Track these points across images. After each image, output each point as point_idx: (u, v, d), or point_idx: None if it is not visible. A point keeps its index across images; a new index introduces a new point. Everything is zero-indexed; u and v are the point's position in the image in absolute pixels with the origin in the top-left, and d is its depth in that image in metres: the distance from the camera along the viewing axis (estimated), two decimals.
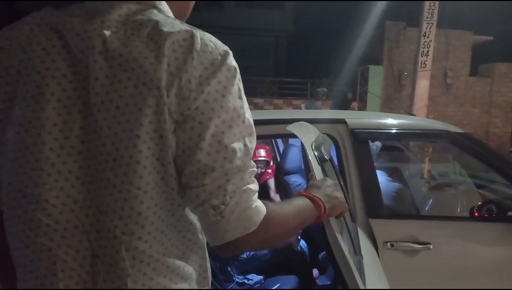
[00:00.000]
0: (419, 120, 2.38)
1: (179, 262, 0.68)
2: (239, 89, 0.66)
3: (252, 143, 0.67)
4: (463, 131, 2.14)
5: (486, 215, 2.29)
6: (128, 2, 0.68)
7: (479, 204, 2.50)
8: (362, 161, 1.90)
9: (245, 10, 13.76)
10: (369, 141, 2.06)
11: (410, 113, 3.73)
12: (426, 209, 2.50)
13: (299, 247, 2.39)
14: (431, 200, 2.60)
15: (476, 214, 2.39)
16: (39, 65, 0.64)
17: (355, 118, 2.05)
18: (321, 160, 1.16)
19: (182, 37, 0.63)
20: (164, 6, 0.72)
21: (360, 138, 1.93)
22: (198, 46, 0.63)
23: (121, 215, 0.63)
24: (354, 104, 8.98)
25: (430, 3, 6.38)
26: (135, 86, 0.61)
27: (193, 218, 0.71)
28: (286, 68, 13.86)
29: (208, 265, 0.76)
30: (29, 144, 0.64)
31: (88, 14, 0.66)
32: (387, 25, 8.64)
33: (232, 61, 0.66)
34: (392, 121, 2.16)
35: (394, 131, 2.05)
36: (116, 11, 0.66)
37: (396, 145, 2.99)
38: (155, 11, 0.68)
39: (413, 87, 6.85)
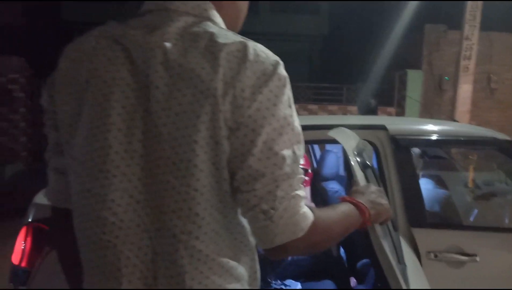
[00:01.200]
0: (463, 126, 2.31)
1: (232, 263, 0.70)
2: (289, 98, 0.69)
3: (300, 150, 0.69)
4: (511, 139, 2.05)
5: None
6: (185, 15, 0.72)
7: None
8: (403, 168, 1.86)
9: (280, 16, 13.81)
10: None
11: (452, 119, 3.60)
12: (471, 219, 2.40)
13: (338, 254, 2.37)
14: (476, 209, 2.50)
15: None
16: (105, 75, 0.70)
17: (396, 124, 2.01)
18: (364, 167, 1.15)
19: (236, 48, 0.66)
20: (218, 18, 0.75)
21: (401, 145, 1.89)
22: (251, 56, 0.66)
23: (179, 215, 0.66)
24: (391, 110, 8.78)
25: (472, 4, 6.16)
26: (193, 94, 0.65)
27: (244, 221, 0.73)
28: (321, 73, 13.75)
29: (258, 267, 0.78)
30: (97, 147, 0.69)
31: (149, 27, 0.71)
32: (426, 28, 8.40)
33: (282, 71, 0.68)
34: (434, 127, 2.10)
35: (437, 137, 1.99)
36: (174, 23, 0.70)
37: (438, 153, 2.90)
38: (209, 23, 0.72)
39: (455, 91, 6.61)
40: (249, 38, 0.72)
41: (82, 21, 11.08)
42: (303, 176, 0.69)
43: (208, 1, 0.74)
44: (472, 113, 6.80)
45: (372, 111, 5.33)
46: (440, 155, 2.91)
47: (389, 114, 8.61)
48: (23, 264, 1.75)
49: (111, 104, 0.68)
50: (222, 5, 0.77)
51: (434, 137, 1.98)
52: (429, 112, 8.29)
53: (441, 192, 2.52)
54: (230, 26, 0.78)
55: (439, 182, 2.64)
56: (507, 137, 2.03)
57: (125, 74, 0.69)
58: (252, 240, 0.75)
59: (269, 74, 0.66)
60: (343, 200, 0.85)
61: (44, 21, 10.21)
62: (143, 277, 0.68)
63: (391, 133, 1.90)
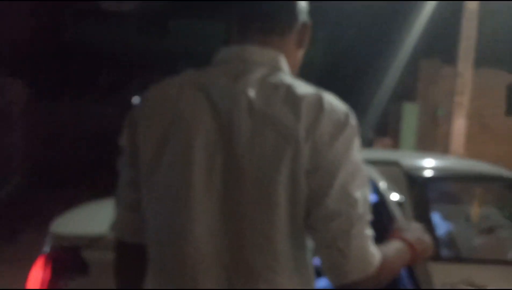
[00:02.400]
0: (470, 163, 2.42)
1: None
2: (358, 145, 0.76)
3: (368, 192, 0.76)
4: None
5: None
6: (260, 65, 0.80)
7: None
8: (418, 206, 1.95)
9: None
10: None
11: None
12: (478, 252, 2.48)
13: None
14: (481, 243, 2.58)
15: None
16: (190, 117, 0.76)
17: (410, 160, 2.11)
18: (399, 203, 1.23)
19: (313, 99, 0.75)
20: (286, 67, 0.84)
21: (416, 181, 1.98)
22: (326, 106, 0.74)
23: (261, 250, 0.71)
24: (387, 142, 8.95)
25: (466, 42, 6.44)
26: (275, 138, 0.72)
27: (310, 257, 0.79)
28: None
29: None
30: (181, 185, 0.74)
31: (230, 76, 0.78)
32: (421, 63, 8.70)
33: (353, 120, 0.77)
34: (445, 164, 2.21)
35: (450, 175, 2.09)
36: (254, 74, 0.78)
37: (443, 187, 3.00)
38: (281, 73, 0.80)
39: (449, 125, 6.82)
40: None
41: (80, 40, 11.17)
42: (370, 216, 0.76)
43: (280, 53, 0.83)
44: (466, 146, 6.98)
45: (369, 143, 5.45)
46: (444, 189, 3.01)
47: (385, 146, 8.77)
48: None
49: (195, 144, 0.74)
50: (289, 55, 0.86)
51: (447, 173, 2.08)
52: (424, 144, 8.48)
53: (448, 225, 2.61)
54: (291, 71, 0.86)
55: (446, 215, 2.73)
56: None
57: (207, 117, 0.75)
58: (313, 276, 0.80)
59: (343, 123, 0.75)
60: (393, 237, 0.90)
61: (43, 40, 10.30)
62: None
63: (405, 169, 2.00)
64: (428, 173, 2.05)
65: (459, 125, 6.55)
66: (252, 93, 0.75)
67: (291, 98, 0.74)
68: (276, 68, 0.81)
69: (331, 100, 0.77)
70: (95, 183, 7.83)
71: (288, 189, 0.71)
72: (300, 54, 0.91)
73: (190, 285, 0.74)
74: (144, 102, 0.83)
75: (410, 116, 8.61)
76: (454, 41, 6.69)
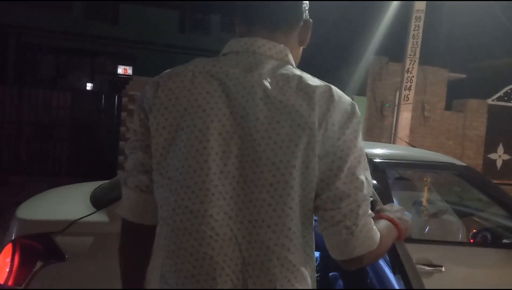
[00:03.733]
0: (425, 152, 2.61)
1: (306, 272, 0.81)
2: (361, 133, 0.82)
3: (370, 176, 0.82)
4: (466, 164, 2.37)
5: (481, 241, 2.50)
6: (270, 58, 0.83)
7: (474, 231, 2.72)
8: (381, 190, 2.08)
9: (230, 36, 14.09)
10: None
11: (411, 145, 3.97)
12: (428, 234, 2.69)
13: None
14: (431, 226, 2.80)
15: (472, 240, 2.61)
16: (205, 105, 0.78)
17: (372, 148, 2.24)
18: (375, 188, 1.32)
19: (324, 90, 0.79)
20: (293, 61, 0.88)
21: (378, 167, 2.11)
22: (336, 97, 0.79)
23: (274, 229, 0.75)
24: None
25: (413, 41, 6.85)
26: (290, 126, 0.75)
27: (313, 236, 0.84)
28: None
29: (315, 277, 0.89)
30: (197, 168, 0.76)
31: (244, 66, 0.81)
32: (370, 59, 9.12)
33: (358, 110, 0.82)
34: (403, 152, 2.37)
35: (408, 162, 2.25)
36: (266, 66, 0.81)
37: (398, 174, 3.20)
38: (290, 66, 0.84)
39: (395, 118, 7.24)
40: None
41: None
42: (372, 198, 0.82)
43: (286, 48, 0.87)
44: (409, 138, 7.46)
45: None
46: (401, 176, 3.22)
47: None
48: (10, 283, 1.68)
49: (210, 131, 0.77)
50: (292, 50, 0.89)
51: (406, 161, 2.23)
52: (372, 135, 8.92)
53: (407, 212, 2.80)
54: (295, 62, 0.90)
55: (398, 201, 2.93)
56: (462, 163, 2.34)
57: (222, 105, 0.78)
58: (314, 253, 0.85)
59: (350, 113, 0.80)
60: (380, 217, 0.96)
61: None
62: (233, 285, 0.76)
63: (368, 157, 2.12)
64: (388, 160, 2.18)
65: (405, 118, 6.98)
66: (266, 83, 0.78)
67: (304, 88, 0.78)
68: (285, 61, 0.85)
69: (338, 91, 0.81)
70: (42, 170, 7.44)
71: (300, 173, 0.75)
72: (300, 50, 0.95)
73: (206, 263, 0.75)
74: (156, 88, 0.83)
75: (360, 108, 8.98)
76: (403, 41, 7.09)
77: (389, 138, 8.51)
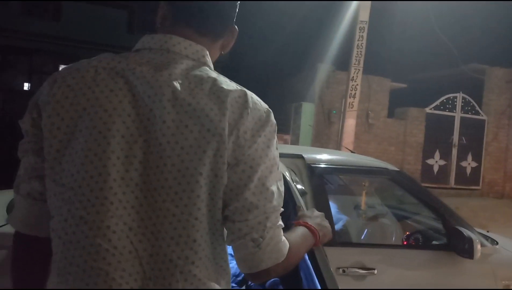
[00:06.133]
0: (362, 158, 2.69)
1: (217, 286, 0.75)
2: (276, 142, 0.79)
3: (282, 187, 0.79)
4: (398, 169, 2.46)
5: (413, 243, 2.61)
6: (185, 58, 0.78)
7: (407, 234, 2.83)
8: (317, 193, 2.11)
9: None
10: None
11: (351, 150, 4.08)
12: (366, 237, 2.76)
13: None
14: (368, 229, 2.88)
15: (405, 242, 2.71)
16: (107, 104, 0.71)
17: (311, 154, 2.27)
18: (302, 193, 1.32)
19: (238, 95, 0.75)
20: (210, 63, 0.83)
21: (316, 172, 2.14)
22: (250, 103, 0.75)
23: (178, 241, 0.70)
24: (287, 137, 9.45)
25: (357, 50, 7.11)
26: (199, 131, 0.70)
27: (226, 247, 0.79)
28: None
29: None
30: (94, 174, 0.69)
31: (153, 64, 0.74)
32: (318, 67, 9.36)
33: (273, 118, 0.79)
34: (341, 158, 2.42)
35: (344, 167, 2.30)
36: (179, 65, 0.75)
37: (336, 179, 3.27)
38: (206, 67, 0.79)
39: (341, 124, 7.46)
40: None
41: None
42: (282, 209, 0.79)
43: (204, 48, 0.81)
44: (354, 144, 7.72)
45: None
46: (338, 182, 3.29)
47: (286, 141, 9.25)
48: None
49: (112, 132, 0.70)
50: (210, 51, 0.84)
51: (342, 166, 2.28)
52: (319, 141, 9.14)
53: (341, 214, 2.86)
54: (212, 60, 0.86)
55: (339, 205, 2.99)
56: (395, 168, 2.44)
57: (127, 105, 0.71)
58: (228, 265, 0.80)
59: (264, 120, 0.76)
60: (298, 224, 0.95)
61: None
62: None
63: (307, 162, 2.14)
64: (325, 166, 2.22)
65: (350, 125, 7.20)
66: (176, 84, 0.72)
67: (217, 92, 0.73)
68: (201, 62, 0.80)
69: (254, 97, 0.77)
70: None
71: (209, 181, 0.71)
72: (218, 55, 0.91)
73: (101, 279, 0.68)
74: (52, 84, 0.75)
75: (308, 114, 9.23)
76: (348, 50, 7.34)
77: (336, 144, 8.76)
